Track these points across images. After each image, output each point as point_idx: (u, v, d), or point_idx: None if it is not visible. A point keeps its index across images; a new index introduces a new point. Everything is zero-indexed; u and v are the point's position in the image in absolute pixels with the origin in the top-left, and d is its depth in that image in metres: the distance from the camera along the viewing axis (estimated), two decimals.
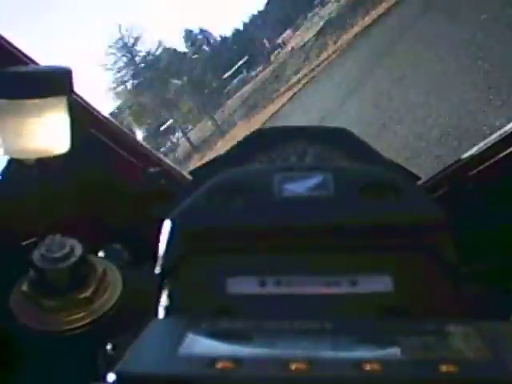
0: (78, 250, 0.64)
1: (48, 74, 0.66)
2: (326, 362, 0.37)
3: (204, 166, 0.81)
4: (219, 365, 0.36)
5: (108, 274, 0.67)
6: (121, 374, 0.37)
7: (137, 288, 0.67)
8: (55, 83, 0.67)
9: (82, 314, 0.62)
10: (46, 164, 0.70)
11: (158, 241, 0.59)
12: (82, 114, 0.84)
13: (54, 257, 0.62)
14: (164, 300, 0.55)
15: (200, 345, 0.41)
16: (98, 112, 0.87)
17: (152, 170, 0.92)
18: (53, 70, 0.69)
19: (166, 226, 0.58)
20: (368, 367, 0.35)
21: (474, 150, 0.89)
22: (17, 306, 0.63)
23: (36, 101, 0.65)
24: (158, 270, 0.57)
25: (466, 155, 0.90)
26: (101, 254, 0.77)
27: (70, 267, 0.62)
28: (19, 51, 0.78)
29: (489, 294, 0.67)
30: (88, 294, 0.63)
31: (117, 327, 0.60)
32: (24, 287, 0.64)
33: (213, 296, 0.53)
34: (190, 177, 0.87)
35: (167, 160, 0.98)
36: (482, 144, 0.88)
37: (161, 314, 0.53)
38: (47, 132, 0.69)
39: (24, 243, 0.73)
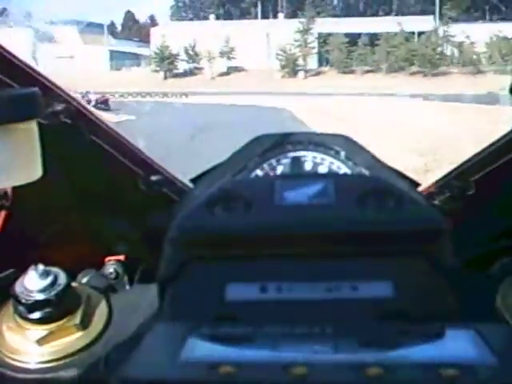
0: (62, 278, 0.63)
1: (16, 98, 0.65)
2: (327, 366, 0.37)
3: (205, 174, 0.81)
4: (221, 369, 0.36)
5: (92, 300, 0.67)
6: (123, 379, 0.37)
7: (123, 312, 0.66)
8: (24, 107, 0.65)
9: (70, 344, 0.62)
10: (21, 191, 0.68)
11: (158, 249, 0.59)
12: (81, 122, 0.84)
13: (38, 287, 0.61)
14: (165, 307, 0.55)
15: (201, 350, 0.41)
16: (98, 119, 0.87)
17: (153, 178, 0.92)
18: (20, 94, 0.67)
19: (167, 233, 0.58)
20: (369, 372, 0.35)
21: (474, 156, 0.89)
22: (1, 340, 0.62)
23: (4, 127, 0.64)
24: (159, 278, 0.57)
25: (466, 161, 0.90)
26: (80, 280, 0.76)
27: (55, 296, 0.61)
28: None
29: (471, 280, 0.68)
30: (75, 322, 0.62)
31: (106, 352, 0.60)
32: (7, 320, 0.63)
33: (214, 303, 0.53)
34: (191, 185, 0.87)
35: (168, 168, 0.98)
36: (482, 150, 0.88)
37: (162, 320, 0.53)
38: (17, 159, 0.67)
39: (1, 275, 0.71)
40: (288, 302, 0.52)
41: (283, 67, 35.27)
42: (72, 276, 0.66)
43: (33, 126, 0.68)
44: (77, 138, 0.84)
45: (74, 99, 0.84)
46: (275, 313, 0.52)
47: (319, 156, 0.78)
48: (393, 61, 32.96)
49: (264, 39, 37.28)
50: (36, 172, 0.69)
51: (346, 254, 0.54)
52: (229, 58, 36.74)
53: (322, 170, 0.77)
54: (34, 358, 0.60)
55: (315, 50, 36.66)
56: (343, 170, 0.76)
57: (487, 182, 0.87)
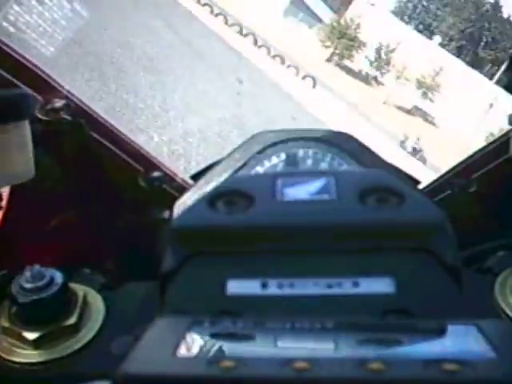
0: (59, 278, 0.62)
1: (6, 99, 0.65)
2: (328, 361, 0.37)
3: (205, 170, 0.81)
4: (221, 364, 0.36)
5: (89, 299, 0.66)
6: (123, 374, 0.37)
7: (120, 310, 0.66)
8: (15, 108, 0.65)
9: (67, 343, 0.61)
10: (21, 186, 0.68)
11: (159, 245, 0.59)
12: (81, 118, 0.84)
13: (35, 287, 0.60)
14: (166, 302, 0.55)
15: (201, 345, 0.41)
16: (98, 115, 0.87)
17: (153, 174, 0.92)
18: (11, 95, 0.67)
19: (168, 229, 0.58)
20: (370, 366, 0.35)
21: (475, 153, 0.89)
22: None
23: None
24: (160, 273, 0.57)
25: (467, 159, 0.90)
26: (77, 279, 0.76)
27: (52, 296, 0.61)
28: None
29: (469, 276, 0.68)
30: (72, 321, 0.62)
31: (105, 352, 0.60)
32: (3, 322, 0.62)
33: (214, 298, 0.53)
34: (191, 181, 0.87)
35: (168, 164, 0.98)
36: (482, 147, 0.88)
37: (162, 315, 0.53)
38: (10, 159, 0.67)
39: None
40: (289, 297, 0.52)
41: None
42: (69, 275, 0.66)
43: (23, 127, 0.67)
44: (77, 134, 0.84)
45: (73, 95, 0.84)
46: (276, 308, 0.52)
47: (321, 153, 0.78)
48: None
49: None
50: (28, 173, 0.68)
51: (347, 250, 0.54)
52: None
53: (324, 166, 0.77)
54: (31, 358, 0.60)
55: None
56: (344, 167, 0.76)
57: (488, 180, 0.87)
